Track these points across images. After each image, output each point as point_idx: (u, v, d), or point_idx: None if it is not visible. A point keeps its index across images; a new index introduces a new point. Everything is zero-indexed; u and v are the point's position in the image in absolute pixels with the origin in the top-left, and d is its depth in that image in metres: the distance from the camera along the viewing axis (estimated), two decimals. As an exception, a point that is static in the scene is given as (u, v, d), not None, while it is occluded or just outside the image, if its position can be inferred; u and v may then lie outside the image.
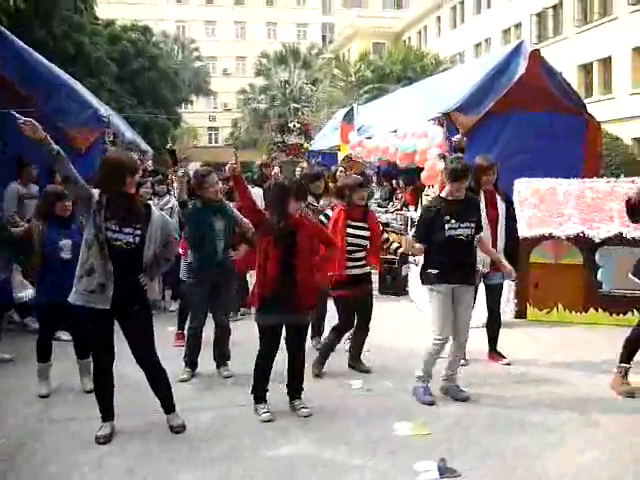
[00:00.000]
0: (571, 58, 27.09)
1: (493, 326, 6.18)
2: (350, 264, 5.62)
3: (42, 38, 17.63)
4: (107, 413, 4.44)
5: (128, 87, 27.92)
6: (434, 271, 4.98)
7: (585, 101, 11.19)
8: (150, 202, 4.80)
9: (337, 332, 5.82)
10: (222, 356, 5.79)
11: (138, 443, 4.33)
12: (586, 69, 27.22)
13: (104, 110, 9.04)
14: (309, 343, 6.50)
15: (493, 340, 6.18)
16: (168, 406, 4.55)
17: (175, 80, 33.68)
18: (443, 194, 5.18)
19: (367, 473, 3.88)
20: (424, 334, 5.24)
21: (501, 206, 6.03)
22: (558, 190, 7.72)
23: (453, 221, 4.92)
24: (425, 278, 5.10)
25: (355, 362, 5.88)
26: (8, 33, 7.93)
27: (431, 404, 4.91)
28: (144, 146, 15.48)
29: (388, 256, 7.72)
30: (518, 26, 32.08)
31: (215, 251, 5.52)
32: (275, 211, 4.70)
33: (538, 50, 9.52)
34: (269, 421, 4.62)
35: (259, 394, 4.81)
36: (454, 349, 5.14)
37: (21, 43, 8.12)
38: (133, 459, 4.09)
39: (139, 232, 4.27)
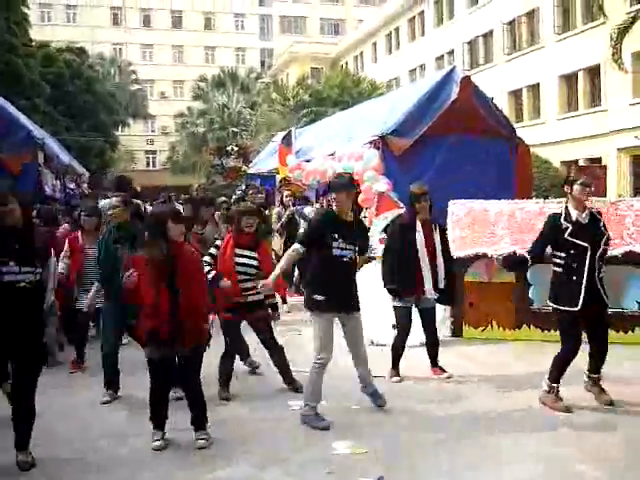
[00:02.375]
0: (502, 84, 28.09)
1: (432, 346, 6.32)
2: (242, 291, 5.68)
3: (-28, 59, 17.19)
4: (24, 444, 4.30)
5: (64, 109, 27.39)
6: (319, 297, 4.92)
7: (516, 126, 11.65)
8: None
9: (226, 357, 5.83)
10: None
11: (67, 471, 4.23)
12: (516, 95, 28.27)
13: (37, 131, 8.85)
14: (241, 365, 6.50)
15: (433, 358, 6.32)
16: (23, 443, 4.31)
17: (112, 103, 33.24)
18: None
19: (306, 493, 3.88)
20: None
21: (436, 236, 6.20)
22: (490, 211, 7.95)
23: (341, 241, 4.93)
24: (310, 303, 5.02)
25: (288, 380, 5.94)
26: None
27: (326, 428, 4.82)
28: (80, 169, 15.20)
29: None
30: (451, 53, 33.11)
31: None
32: (155, 237, 4.57)
33: (469, 76, 9.89)
34: (158, 450, 4.52)
35: (155, 424, 4.67)
36: (358, 370, 5.21)
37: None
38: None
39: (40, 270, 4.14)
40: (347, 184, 5.15)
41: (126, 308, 5.07)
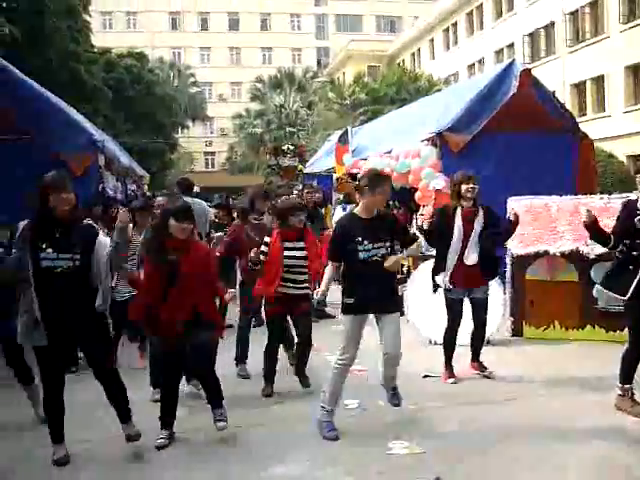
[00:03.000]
0: (564, 77, 27.35)
1: (477, 338, 6.19)
2: (288, 284, 5.66)
3: (38, 67, 17.77)
4: (58, 436, 4.43)
5: (124, 113, 28.11)
6: (349, 300, 4.78)
7: (579, 119, 11.30)
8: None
9: (268, 351, 5.85)
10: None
11: (107, 466, 4.29)
12: (579, 88, 27.46)
13: (99, 135, 9.08)
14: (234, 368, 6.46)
15: (475, 351, 6.20)
16: (124, 415, 4.52)
17: (171, 106, 33.91)
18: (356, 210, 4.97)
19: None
20: (420, 354, 5.22)
21: (478, 224, 5.99)
22: (551, 207, 7.73)
23: (366, 242, 4.72)
24: (342, 306, 4.87)
25: (299, 375, 5.92)
26: (4, 62, 7.99)
27: (335, 439, 4.63)
28: (140, 171, 15.54)
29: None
30: (511, 46, 32.41)
31: None
32: (157, 233, 4.62)
33: (529, 69, 9.63)
34: (161, 448, 4.53)
35: (163, 420, 4.68)
36: (384, 367, 4.95)
37: (17, 71, 8.19)
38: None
39: (78, 256, 4.24)
40: (385, 186, 4.83)
41: None
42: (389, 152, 10.32)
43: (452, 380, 6.00)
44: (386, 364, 4.90)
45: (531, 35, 30.58)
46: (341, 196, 11.37)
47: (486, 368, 6.14)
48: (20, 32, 15.17)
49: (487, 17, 35.00)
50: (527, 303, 7.65)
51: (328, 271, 5.01)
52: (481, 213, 6.01)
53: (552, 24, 28.91)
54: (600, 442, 4.49)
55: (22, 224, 4.34)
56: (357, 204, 5.10)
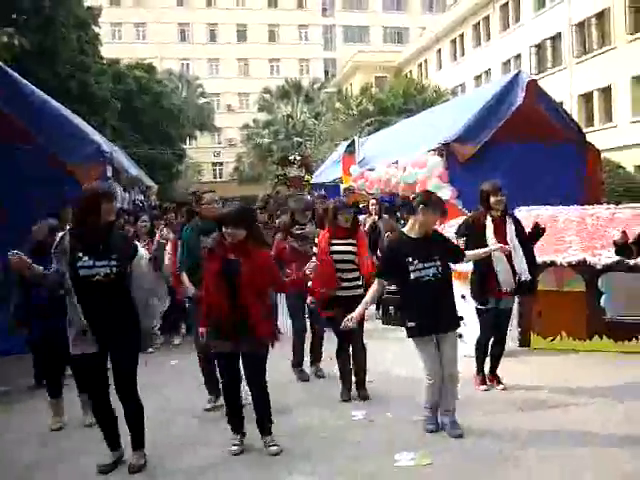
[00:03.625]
0: (571, 88, 27.34)
1: (497, 350, 6.16)
2: (343, 284, 5.70)
3: (47, 78, 17.93)
4: (112, 442, 4.46)
5: (132, 124, 28.26)
6: (410, 324, 4.84)
7: (586, 130, 11.30)
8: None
9: (338, 355, 5.91)
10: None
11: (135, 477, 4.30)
12: (586, 98, 27.44)
13: (106, 146, 9.13)
14: (309, 370, 6.55)
15: (494, 364, 6.17)
16: (137, 441, 4.49)
17: (179, 117, 34.08)
18: (405, 229, 5.03)
19: (368, 505, 3.83)
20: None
21: (510, 229, 5.99)
22: (559, 218, 7.72)
23: (416, 262, 4.74)
24: (406, 330, 4.93)
25: (359, 384, 5.88)
26: (11, 72, 8.05)
27: (430, 432, 4.87)
28: (148, 181, 15.61)
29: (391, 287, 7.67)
30: (518, 57, 32.46)
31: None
32: (214, 239, 4.66)
33: (535, 80, 9.66)
34: (236, 454, 4.56)
35: (231, 424, 4.74)
36: (445, 382, 4.95)
37: (25, 82, 8.25)
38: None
39: (115, 263, 4.27)
40: (439, 208, 4.89)
41: None
42: (396, 162, 10.34)
43: (485, 387, 6.01)
44: (447, 383, 4.92)
45: (538, 46, 30.62)
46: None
47: (501, 382, 6.11)
48: (30, 43, 15.30)
49: (494, 28, 35.08)
50: (535, 313, 7.61)
51: (372, 290, 5.04)
52: (510, 221, 6.02)
53: (559, 35, 28.95)
54: (617, 450, 4.46)
55: (60, 235, 4.37)
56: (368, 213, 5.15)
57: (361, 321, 5.77)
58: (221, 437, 4.84)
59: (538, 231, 6.11)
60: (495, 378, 6.16)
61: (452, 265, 5.28)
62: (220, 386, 5.01)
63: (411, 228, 4.90)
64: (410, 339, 4.94)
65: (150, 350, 8.17)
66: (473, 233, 5.96)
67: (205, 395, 5.73)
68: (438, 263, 4.78)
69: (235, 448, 4.63)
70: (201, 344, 5.48)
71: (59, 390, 5.35)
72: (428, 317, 4.77)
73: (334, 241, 5.79)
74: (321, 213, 8.83)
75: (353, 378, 5.91)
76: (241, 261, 4.49)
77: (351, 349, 5.90)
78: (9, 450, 4.89)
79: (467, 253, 5.31)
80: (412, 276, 4.73)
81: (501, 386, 6.08)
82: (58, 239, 4.34)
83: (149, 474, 4.36)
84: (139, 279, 4.42)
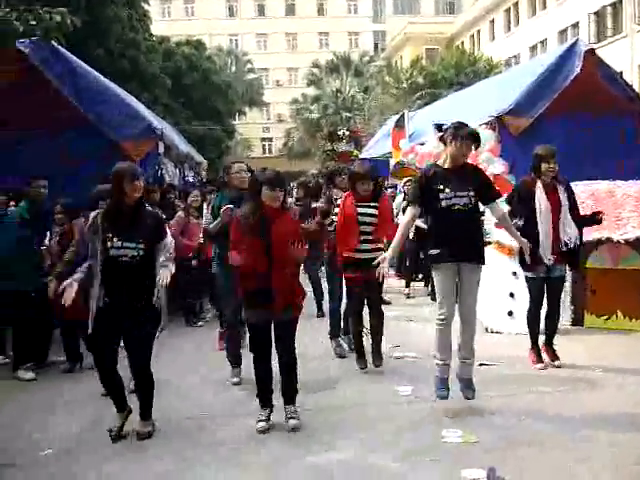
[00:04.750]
0: (632, 57, 26.30)
1: (551, 320, 6.04)
2: (361, 247, 5.72)
3: (99, 56, 18.18)
4: (120, 405, 4.60)
5: (182, 101, 28.48)
6: (433, 251, 4.76)
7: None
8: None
9: (351, 315, 6.02)
10: None
11: (177, 447, 4.39)
12: (647, 68, 26.39)
13: (157, 122, 9.22)
14: (328, 346, 6.59)
15: (550, 335, 6.05)
16: (145, 412, 4.60)
17: (228, 93, 34.18)
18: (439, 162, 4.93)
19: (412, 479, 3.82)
20: (479, 342, 5.11)
21: (563, 196, 5.86)
22: (616, 192, 7.46)
23: (448, 190, 4.66)
24: (428, 259, 4.90)
25: (375, 350, 5.92)
26: (64, 51, 8.18)
27: (443, 398, 4.75)
28: (198, 157, 15.74)
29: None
30: (575, 26, 31.33)
31: None
32: (249, 200, 4.62)
33: (593, 49, 9.28)
34: (262, 432, 4.55)
35: (260, 399, 4.73)
36: (460, 334, 4.84)
37: (78, 61, 8.37)
38: (172, 463, 4.15)
39: (142, 246, 4.35)
40: (473, 136, 4.77)
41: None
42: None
43: (541, 366, 5.89)
44: (461, 322, 4.82)
45: (597, 13, 29.46)
46: (402, 181, 11.26)
47: (557, 358, 5.98)
48: (81, 22, 15.48)
49: (550, -5, 33.95)
50: (588, 292, 7.42)
51: (401, 227, 4.97)
52: (563, 188, 5.88)
53: (620, 1, 27.79)
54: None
55: (93, 214, 4.46)
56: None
57: (379, 284, 5.78)
58: (255, 408, 4.87)
59: (594, 219, 5.93)
60: (551, 351, 6.02)
61: (503, 240, 5.16)
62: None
63: (444, 160, 4.82)
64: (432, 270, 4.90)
65: (200, 324, 8.33)
66: (522, 198, 5.85)
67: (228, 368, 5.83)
68: (471, 194, 4.68)
69: (262, 424, 4.61)
70: (230, 314, 5.70)
71: None
72: (453, 245, 4.66)
73: (357, 204, 5.81)
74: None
75: (367, 346, 5.97)
76: (274, 226, 4.49)
77: (369, 309, 5.95)
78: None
79: (504, 216, 5.10)
80: (443, 204, 4.65)
81: (557, 362, 5.95)
82: (91, 219, 4.43)
83: (193, 443, 4.44)
84: (165, 257, 4.47)
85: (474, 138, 4.77)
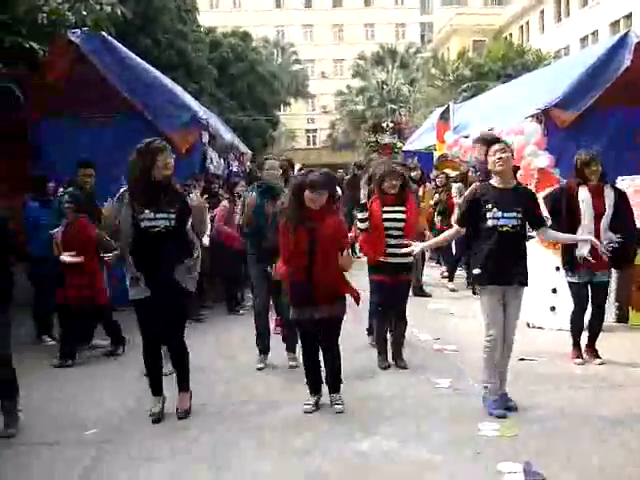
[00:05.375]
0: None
1: (595, 322, 5.99)
2: (389, 250, 5.68)
3: (147, 47, 18.50)
4: (156, 389, 4.73)
5: (228, 91, 28.73)
6: (477, 271, 4.71)
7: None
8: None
9: (375, 316, 6.04)
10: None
11: (219, 431, 4.49)
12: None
13: (203, 113, 9.35)
14: (367, 339, 6.66)
15: (592, 336, 6.00)
16: (182, 384, 4.75)
17: (274, 83, 34.34)
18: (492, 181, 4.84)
19: (449, 471, 3.83)
20: (520, 337, 5.08)
21: (609, 200, 5.80)
22: (664, 188, 7.30)
23: (496, 210, 4.60)
24: (473, 278, 4.90)
25: (396, 355, 5.91)
26: (115, 42, 8.36)
27: (502, 417, 4.58)
28: (243, 148, 15.89)
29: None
30: (628, 17, 30.45)
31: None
32: (292, 203, 4.69)
33: (645, 41, 9.04)
34: (309, 412, 4.72)
35: (309, 386, 4.87)
36: (501, 352, 4.78)
37: (127, 51, 8.55)
38: (211, 446, 4.24)
39: (173, 216, 4.48)
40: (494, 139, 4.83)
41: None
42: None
43: (580, 361, 5.88)
44: (503, 348, 4.76)
45: (651, 4, 28.64)
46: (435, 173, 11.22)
47: (599, 357, 5.93)
48: (131, 13, 15.76)
49: (603, -14, 33.09)
50: (634, 288, 7.28)
51: (446, 233, 5.03)
52: (610, 191, 5.83)
53: (675, -8, 26.97)
54: None
55: (123, 189, 4.58)
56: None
57: (406, 293, 5.92)
58: (296, 395, 4.99)
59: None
60: (592, 351, 5.97)
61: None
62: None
63: (496, 179, 4.77)
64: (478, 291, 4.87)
65: (242, 312, 8.45)
66: (566, 201, 5.80)
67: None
68: (519, 215, 4.63)
69: (309, 407, 4.78)
70: (258, 303, 5.87)
71: None
72: (497, 266, 4.60)
73: (384, 208, 5.77)
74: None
75: (389, 347, 5.97)
76: (318, 227, 4.57)
77: (394, 316, 5.94)
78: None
79: (554, 233, 5.12)
80: (489, 223, 4.60)
81: (598, 360, 5.89)
82: (120, 193, 4.55)
83: (235, 427, 4.54)
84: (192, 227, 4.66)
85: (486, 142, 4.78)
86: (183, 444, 4.29)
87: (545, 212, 5.62)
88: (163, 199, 4.48)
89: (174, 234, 4.51)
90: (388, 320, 5.97)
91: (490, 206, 4.61)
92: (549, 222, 5.56)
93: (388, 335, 6.00)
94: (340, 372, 4.88)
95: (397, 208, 5.79)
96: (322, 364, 4.95)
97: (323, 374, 4.95)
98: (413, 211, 5.91)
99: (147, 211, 4.43)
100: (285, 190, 5.62)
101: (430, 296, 9.22)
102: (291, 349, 5.94)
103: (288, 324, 5.55)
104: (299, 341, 5.27)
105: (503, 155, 4.65)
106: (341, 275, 4.76)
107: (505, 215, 4.60)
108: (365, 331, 6.75)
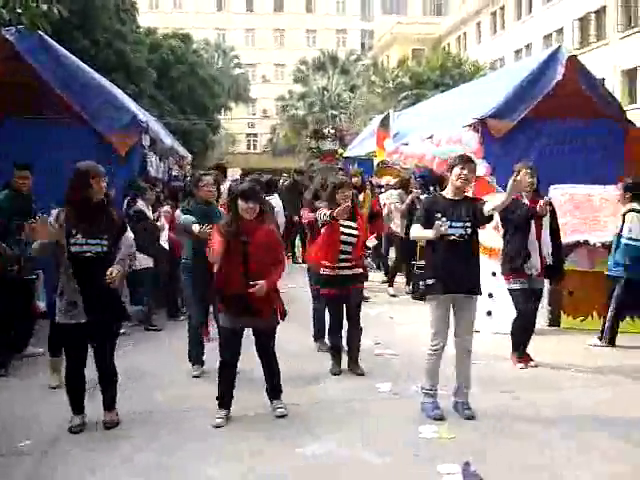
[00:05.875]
0: (615, 63, 26.62)
1: (527, 330, 6.18)
2: (341, 264, 5.74)
3: (85, 47, 18.10)
4: (78, 407, 4.63)
5: (168, 94, 28.39)
6: (430, 281, 4.80)
7: (630, 107, 11.02)
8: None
9: (330, 332, 6.02)
10: None
11: (162, 437, 4.45)
12: (630, 74, 26.69)
13: (142, 115, 9.21)
14: (312, 345, 6.71)
15: (525, 344, 6.18)
16: (109, 404, 4.69)
17: (214, 87, 34.10)
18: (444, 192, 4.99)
19: (390, 473, 3.91)
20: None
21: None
22: (594, 196, 7.62)
23: (444, 219, 4.71)
24: (423, 290, 4.93)
25: (352, 361, 5.95)
26: (50, 40, 8.14)
27: (440, 419, 4.70)
28: (183, 151, 15.72)
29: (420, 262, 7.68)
30: (560, 31, 31.61)
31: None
32: (229, 213, 4.72)
33: (575, 56, 9.42)
34: (218, 427, 4.62)
35: (221, 398, 4.79)
36: (458, 363, 4.90)
37: (63, 50, 8.34)
38: (157, 454, 4.20)
39: (105, 242, 4.43)
40: (461, 160, 4.88)
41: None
42: (430, 137, 10.23)
43: (522, 365, 6.06)
44: (457, 351, 4.86)
45: (581, 20, 29.78)
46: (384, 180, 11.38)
47: (532, 359, 6.13)
48: (68, 11, 15.38)
49: (536, 0, 34.19)
50: (566, 293, 7.56)
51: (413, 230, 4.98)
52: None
53: (603, 8, 28.11)
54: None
55: (54, 212, 4.48)
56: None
57: (359, 302, 5.98)
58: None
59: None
60: (526, 356, 6.17)
61: (484, 241, 5.24)
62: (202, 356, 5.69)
63: (447, 190, 4.91)
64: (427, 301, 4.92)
65: (182, 317, 8.33)
66: (512, 211, 5.94)
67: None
68: (467, 224, 4.74)
69: (220, 421, 4.68)
70: (194, 314, 5.88)
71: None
72: (449, 275, 4.71)
73: (341, 222, 5.74)
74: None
75: (344, 356, 6.00)
76: (250, 240, 4.57)
77: (347, 327, 5.96)
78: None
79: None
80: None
81: (532, 363, 6.10)
82: (55, 214, 4.44)
83: (178, 433, 4.49)
84: (124, 252, 4.59)
85: (472, 171, 4.87)
86: (128, 452, 4.22)
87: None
88: (96, 224, 4.43)
89: (106, 259, 4.45)
90: (341, 329, 5.98)
91: (439, 215, 4.72)
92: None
93: (343, 342, 6.04)
94: (279, 379, 4.88)
95: (350, 224, 5.82)
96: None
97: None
98: (363, 225, 5.98)
99: (79, 236, 4.36)
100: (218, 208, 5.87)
101: (368, 299, 9.33)
102: None
103: None
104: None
105: (469, 175, 4.80)
106: (273, 285, 4.74)
107: (454, 225, 4.71)
108: (311, 337, 6.78)
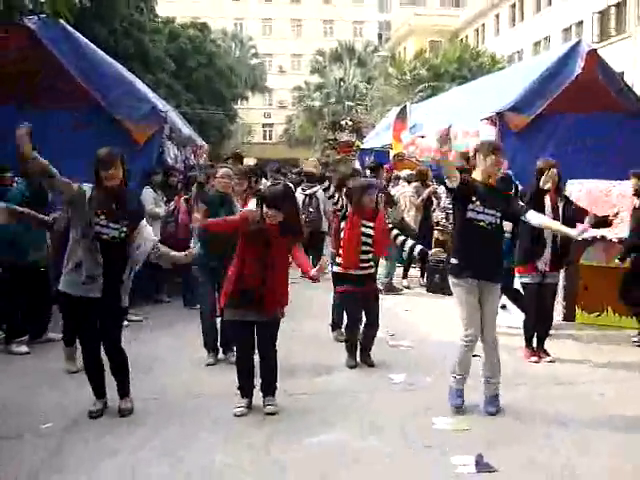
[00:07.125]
0: (635, 57, 26.34)
1: (544, 325, 6.21)
2: (360, 265, 5.78)
3: (104, 36, 18.19)
4: (98, 392, 4.71)
5: (185, 83, 28.45)
6: (455, 261, 4.77)
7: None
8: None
9: (348, 328, 6.06)
10: (227, 343, 5.95)
11: (175, 424, 4.52)
12: (650, 69, 26.42)
13: (162, 105, 9.26)
14: (330, 335, 6.74)
15: (541, 338, 6.20)
16: (122, 391, 4.75)
17: (231, 77, 34.12)
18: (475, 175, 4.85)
19: (403, 464, 3.94)
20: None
21: (561, 209, 6.09)
22: (612, 192, 7.58)
23: (478, 204, 4.65)
24: (449, 267, 4.88)
25: (365, 354, 5.98)
26: (71, 29, 8.20)
27: (457, 408, 4.74)
28: (200, 141, 15.77)
29: (440, 255, 7.63)
30: (580, 24, 31.32)
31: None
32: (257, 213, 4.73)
33: (595, 50, 9.36)
34: (240, 416, 4.66)
35: (241, 388, 4.84)
36: (486, 354, 4.85)
37: (84, 39, 8.40)
38: (170, 440, 4.27)
39: (125, 229, 4.51)
40: (497, 147, 4.85)
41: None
42: (450, 127, 10.21)
43: (535, 359, 6.08)
44: (485, 348, 4.81)
45: (601, 13, 29.47)
46: (403, 173, 11.32)
47: (549, 355, 6.15)
48: (88, 1, 15.48)
49: (556, -8, 33.88)
50: (581, 288, 7.55)
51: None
52: (562, 201, 6.13)
53: (624, 1, 27.79)
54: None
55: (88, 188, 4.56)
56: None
57: (377, 296, 6.00)
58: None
59: (602, 222, 5.98)
60: (542, 349, 6.20)
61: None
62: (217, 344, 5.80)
63: (477, 175, 4.80)
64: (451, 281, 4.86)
65: (197, 305, 8.41)
66: (536, 204, 5.90)
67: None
68: (498, 214, 4.70)
69: (241, 409, 4.72)
70: (206, 310, 5.94)
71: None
72: (474, 260, 4.65)
73: (363, 222, 5.81)
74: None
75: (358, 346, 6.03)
76: (270, 244, 4.61)
77: (365, 322, 5.99)
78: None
79: (536, 215, 4.95)
80: (468, 215, 4.65)
81: (548, 358, 6.12)
82: (86, 189, 4.53)
83: (191, 421, 4.56)
84: (139, 243, 4.66)
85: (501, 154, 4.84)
86: (143, 438, 4.28)
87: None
88: (118, 209, 4.51)
89: (121, 244, 4.54)
90: (357, 325, 6.00)
91: (474, 198, 4.63)
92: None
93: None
94: (276, 376, 4.86)
95: (369, 224, 5.85)
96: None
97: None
98: (381, 225, 5.95)
99: (102, 217, 4.46)
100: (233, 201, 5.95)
101: (400, 290, 9.41)
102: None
103: None
104: None
105: (503, 160, 4.85)
106: (287, 283, 4.82)
107: (486, 212, 4.66)
108: (329, 327, 6.82)
